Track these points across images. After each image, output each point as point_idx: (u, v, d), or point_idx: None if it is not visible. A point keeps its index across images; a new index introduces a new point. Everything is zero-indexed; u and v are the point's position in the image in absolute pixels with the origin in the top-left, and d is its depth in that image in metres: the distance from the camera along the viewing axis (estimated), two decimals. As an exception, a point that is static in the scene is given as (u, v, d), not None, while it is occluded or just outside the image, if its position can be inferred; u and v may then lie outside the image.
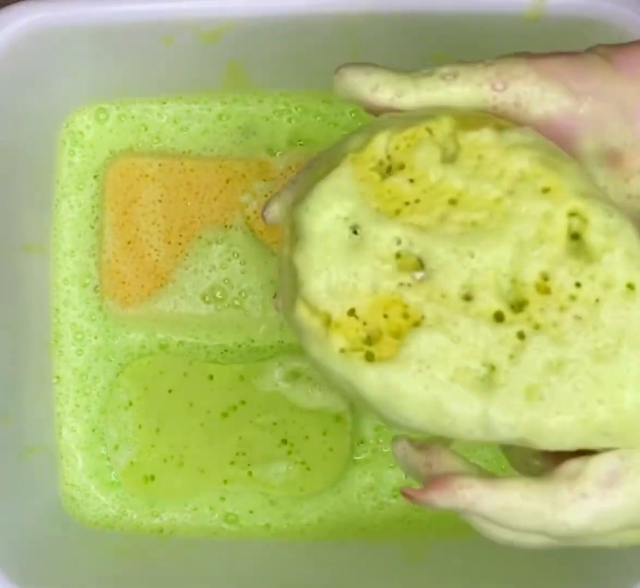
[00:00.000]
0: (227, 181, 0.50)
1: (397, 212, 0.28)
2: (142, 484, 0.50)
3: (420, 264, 0.28)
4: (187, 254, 0.49)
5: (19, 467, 0.47)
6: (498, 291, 0.28)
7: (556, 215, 0.28)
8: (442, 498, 0.28)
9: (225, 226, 0.49)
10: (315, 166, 0.31)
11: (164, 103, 0.50)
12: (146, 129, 0.51)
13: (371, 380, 0.28)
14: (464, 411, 0.28)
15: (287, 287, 0.30)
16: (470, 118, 0.30)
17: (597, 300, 0.28)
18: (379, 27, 0.43)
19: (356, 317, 0.28)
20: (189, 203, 0.50)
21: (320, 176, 0.29)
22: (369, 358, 0.28)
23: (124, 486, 0.50)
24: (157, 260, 0.49)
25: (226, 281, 0.49)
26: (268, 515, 0.50)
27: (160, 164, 0.50)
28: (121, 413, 0.50)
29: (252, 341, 0.50)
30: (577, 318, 0.28)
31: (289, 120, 0.50)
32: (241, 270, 0.49)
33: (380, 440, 0.50)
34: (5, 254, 0.47)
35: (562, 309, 0.28)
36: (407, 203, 0.28)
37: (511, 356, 0.28)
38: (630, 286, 0.28)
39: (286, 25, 0.44)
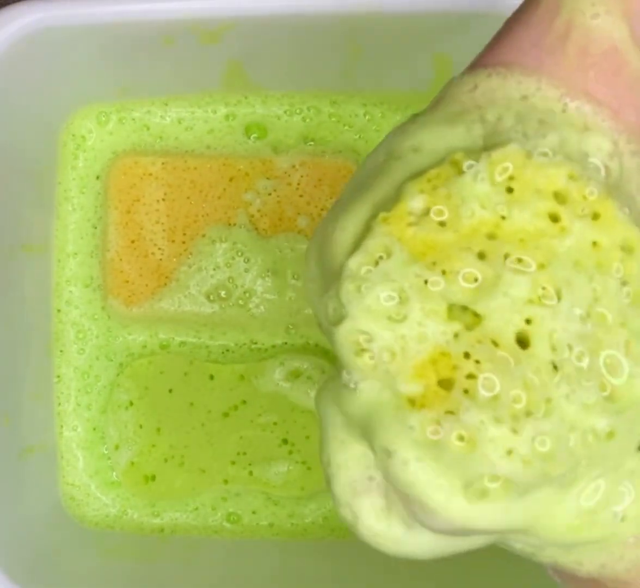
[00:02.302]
0: (231, 180, 0.50)
1: (434, 263, 0.25)
2: (143, 484, 0.50)
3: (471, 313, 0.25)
4: (190, 253, 0.49)
5: (19, 467, 0.47)
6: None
7: (606, 247, 0.24)
8: None
9: (229, 225, 0.49)
10: (339, 219, 0.27)
11: (166, 104, 0.50)
12: (148, 129, 0.51)
13: None
14: None
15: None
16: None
17: None
18: (379, 27, 0.43)
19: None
20: (192, 202, 0.50)
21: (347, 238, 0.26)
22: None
23: (124, 486, 0.50)
24: (160, 259, 0.49)
25: (230, 280, 0.49)
26: (272, 515, 0.50)
27: (163, 163, 0.50)
28: (122, 413, 0.50)
29: (255, 342, 0.50)
30: None
31: (303, 119, 0.50)
32: (245, 268, 0.49)
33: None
34: (6, 255, 0.47)
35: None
36: (443, 251, 0.25)
37: None
38: None
39: (286, 25, 0.44)
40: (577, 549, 0.26)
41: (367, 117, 0.50)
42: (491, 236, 0.25)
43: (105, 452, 0.50)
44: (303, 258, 0.49)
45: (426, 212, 0.25)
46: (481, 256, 0.24)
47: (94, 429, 0.50)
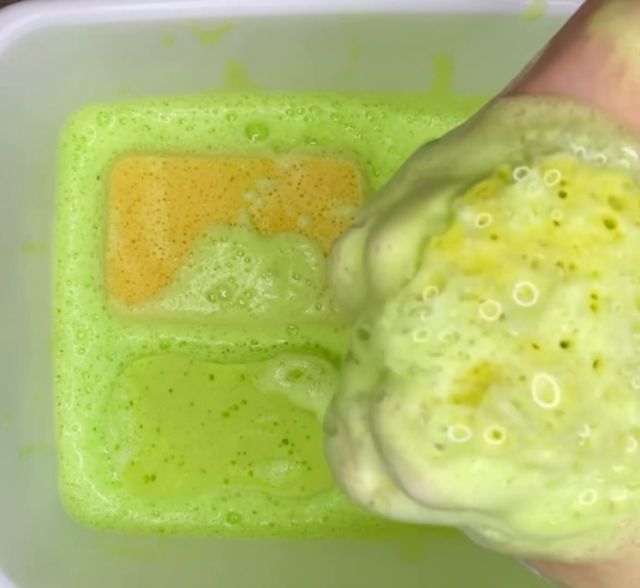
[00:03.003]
0: (232, 179, 0.50)
1: (490, 280, 0.24)
2: (143, 484, 0.50)
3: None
4: (191, 253, 0.49)
5: (19, 467, 0.47)
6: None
7: None
8: None
9: (230, 224, 0.49)
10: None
11: (166, 104, 0.50)
12: (149, 129, 0.51)
13: None
14: None
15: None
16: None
17: None
18: (379, 27, 0.43)
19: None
20: (193, 201, 0.50)
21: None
22: None
23: (124, 486, 0.50)
24: (161, 259, 0.49)
25: (231, 279, 0.49)
26: (272, 515, 0.50)
27: (164, 163, 0.50)
28: (122, 413, 0.50)
29: (255, 342, 0.50)
30: None
31: (305, 119, 0.50)
32: (246, 268, 0.49)
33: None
34: (6, 255, 0.47)
35: None
36: (497, 264, 0.24)
37: None
38: None
39: (287, 25, 0.44)
40: (561, 540, 0.26)
41: (368, 117, 0.50)
42: (544, 243, 0.24)
43: (105, 452, 0.50)
44: (303, 257, 0.49)
45: (479, 226, 0.24)
46: (534, 265, 0.24)
47: (94, 429, 0.50)
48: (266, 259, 0.49)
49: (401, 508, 0.27)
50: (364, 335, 0.26)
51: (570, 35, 0.28)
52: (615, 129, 0.26)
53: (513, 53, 0.45)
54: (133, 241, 0.50)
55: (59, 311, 0.51)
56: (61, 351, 0.50)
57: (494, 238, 0.24)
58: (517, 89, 0.28)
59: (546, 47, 0.29)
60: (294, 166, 0.50)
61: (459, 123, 0.50)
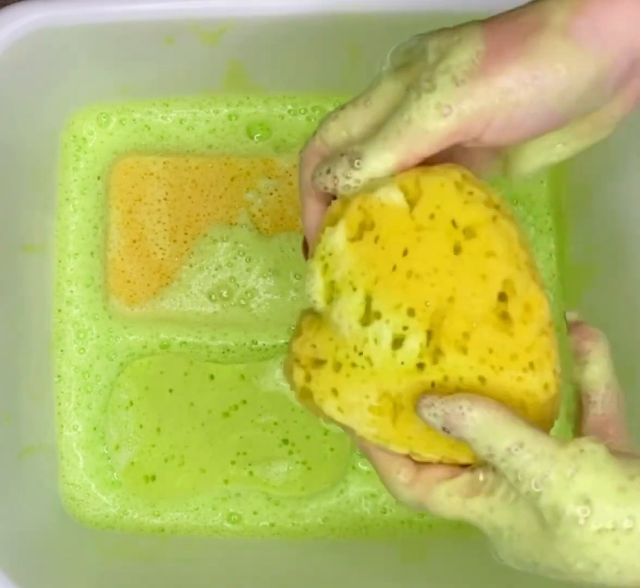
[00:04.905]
0: (232, 179, 0.50)
1: (362, 274, 0.31)
2: (143, 484, 0.49)
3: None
4: (192, 252, 0.49)
5: (19, 467, 0.47)
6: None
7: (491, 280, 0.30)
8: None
9: (231, 224, 0.49)
10: None
11: (167, 105, 0.50)
12: (149, 129, 0.51)
13: None
14: None
15: None
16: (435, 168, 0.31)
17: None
18: (379, 27, 0.43)
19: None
20: (194, 201, 0.50)
21: None
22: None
23: (124, 486, 0.50)
24: (162, 259, 0.49)
25: (232, 279, 0.49)
26: (272, 515, 0.50)
27: (165, 163, 0.50)
28: (122, 413, 0.50)
29: (255, 342, 0.50)
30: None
31: (308, 119, 0.50)
32: (247, 268, 0.49)
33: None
34: (7, 255, 0.47)
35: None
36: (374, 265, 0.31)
37: None
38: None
39: (286, 25, 0.44)
40: None
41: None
42: (405, 253, 0.31)
43: (105, 452, 0.50)
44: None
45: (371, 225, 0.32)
46: None
47: (94, 429, 0.50)
48: (267, 259, 0.49)
49: None
50: None
51: None
52: None
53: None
54: (134, 241, 0.50)
55: (59, 311, 0.51)
56: (61, 351, 0.50)
57: (377, 240, 0.31)
58: None
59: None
60: (295, 166, 0.50)
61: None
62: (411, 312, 0.30)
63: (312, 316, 0.32)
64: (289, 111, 0.50)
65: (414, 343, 0.30)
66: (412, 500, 0.31)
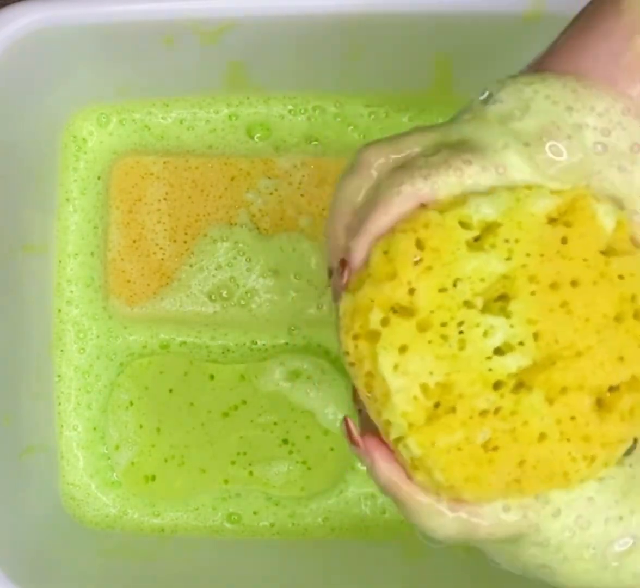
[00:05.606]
0: (232, 179, 0.50)
1: (523, 265, 0.28)
2: (143, 484, 0.50)
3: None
4: (192, 252, 0.49)
5: (19, 467, 0.47)
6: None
7: None
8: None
9: (231, 224, 0.49)
10: None
11: (167, 105, 0.50)
12: (149, 129, 0.51)
13: None
14: None
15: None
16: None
17: None
18: (379, 27, 0.43)
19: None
20: (194, 201, 0.50)
21: None
22: None
23: (124, 486, 0.50)
24: (162, 259, 0.49)
25: (232, 279, 0.49)
26: (272, 515, 0.50)
27: (165, 162, 0.50)
28: (122, 413, 0.50)
29: (255, 342, 0.50)
30: None
31: (308, 119, 0.50)
32: (247, 268, 0.49)
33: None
34: (6, 255, 0.47)
35: None
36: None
37: None
38: None
39: (286, 25, 0.43)
40: None
41: (371, 117, 0.50)
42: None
43: (105, 452, 0.50)
44: (304, 257, 0.49)
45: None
46: None
47: (94, 429, 0.50)
48: (267, 259, 0.49)
49: None
50: None
51: (604, 8, 0.27)
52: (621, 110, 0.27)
53: (513, 53, 0.45)
54: (134, 241, 0.50)
55: (59, 311, 0.51)
56: (61, 351, 0.50)
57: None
58: (541, 63, 0.28)
59: (576, 18, 0.28)
60: (295, 166, 0.50)
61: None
62: (537, 336, 0.27)
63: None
64: (289, 111, 0.50)
65: (517, 363, 0.27)
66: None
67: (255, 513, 0.50)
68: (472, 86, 0.48)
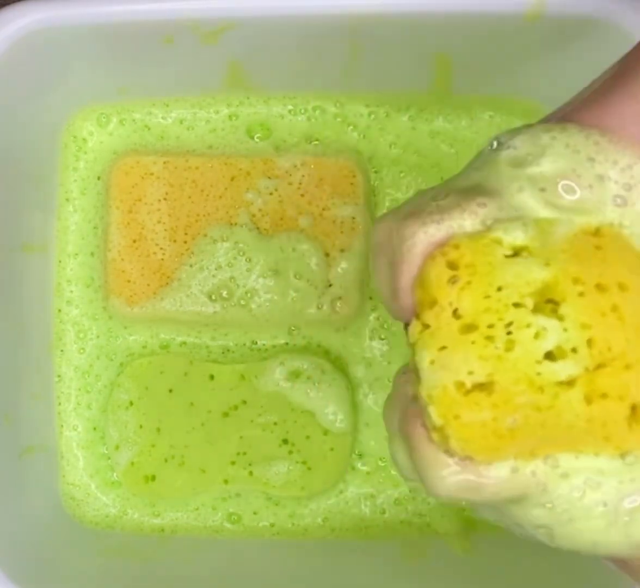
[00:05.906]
0: (232, 179, 0.50)
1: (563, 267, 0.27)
2: (143, 484, 0.50)
3: None
4: (192, 252, 0.49)
5: (19, 467, 0.47)
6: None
7: None
8: None
9: (231, 224, 0.49)
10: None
11: (167, 105, 0.50)
12: (149, 129, 0.51)
13: None
14: None
15: None
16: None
17: None
18: (379, 27, 0.43)
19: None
20: (194, 201, 0.50)
21: None
22: None
23: (124, 486, 0.50)
24: (162, 259, 0.49)
25: (232, 279, 0.49)
26: (272, 515, 0.50)
27: (165, 162, 0.50)
28: (122, 413, 0.50)
29: (255, 342, 0.50)
30: None
31: (308, 119, 0.50)
32: (247, 268, 0.49)
33: (382, 459, 0.50)
34: (6, 255, 0.47)
35: None
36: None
37: None
38: None
39: (286, 25, 0.43)
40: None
41: (371, 116, 0.50)
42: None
43: (105, 452, 0.50)
44: (304, 257, 0.49)
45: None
46: None
47: (94, 429, 0.50)
48: (267, 259, 0.49)
49: None
50: None
51: (631, 66, 0.27)
52: None
53: (513, 53, 0.45)
54: (134, 241, 0.50)
55: (59, 311, 0.51)
56: (61, 351, 0.50)
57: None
58: (561, 116, 0.28)
59: (612, 70, 0.28)
60: (295, 166, 0.50)
61: (461, 122, 0.50)
62: (591, 343, 0.26)
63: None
64: (289, 111, 0.50)
65: (569, 370, 0.26)
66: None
67: (255, 513, 0.50)
68: (472, 86, 0.49)
